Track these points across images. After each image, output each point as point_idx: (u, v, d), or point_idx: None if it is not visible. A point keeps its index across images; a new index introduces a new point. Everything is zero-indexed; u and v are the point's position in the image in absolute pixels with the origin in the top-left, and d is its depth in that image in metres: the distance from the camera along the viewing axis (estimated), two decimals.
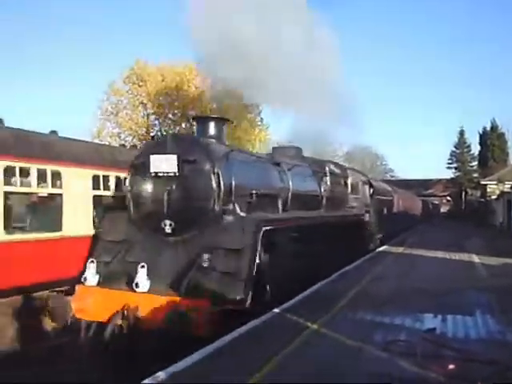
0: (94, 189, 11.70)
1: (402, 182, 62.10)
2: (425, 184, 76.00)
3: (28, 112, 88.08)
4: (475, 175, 65.17)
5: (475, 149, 67.29)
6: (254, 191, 9.43)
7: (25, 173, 10.45)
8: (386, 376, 5.71)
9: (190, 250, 8.37)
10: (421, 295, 10.48)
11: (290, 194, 11.31)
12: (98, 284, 8.46)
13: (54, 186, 11.01)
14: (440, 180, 76.64)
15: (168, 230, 8.58)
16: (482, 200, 53.31)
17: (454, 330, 7.92)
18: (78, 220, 10.84)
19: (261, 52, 14.15)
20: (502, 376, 5.84)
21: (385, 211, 23.99)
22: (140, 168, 8.92)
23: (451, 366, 5.95)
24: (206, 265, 7.97)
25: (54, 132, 12.94)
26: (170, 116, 37.68)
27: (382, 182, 29.79)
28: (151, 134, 33.79)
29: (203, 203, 8.61)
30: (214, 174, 8.55)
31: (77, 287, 8.54)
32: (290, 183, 11.47)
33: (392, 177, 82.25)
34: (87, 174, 11.62)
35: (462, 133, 69.72)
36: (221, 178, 8.60)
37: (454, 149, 70.71)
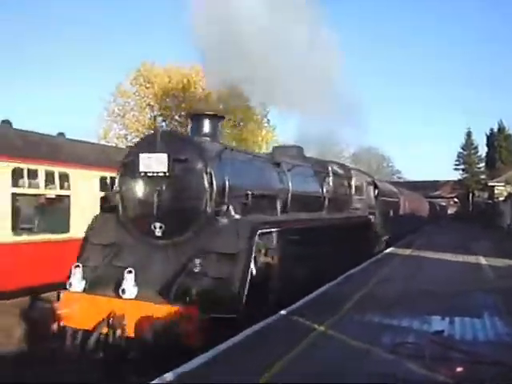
0: (101, 190, 11.75)
1: (409, 184, 61.72)
2: (432, 185, 75.53)
3: (34, 113, 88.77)
4: (482, 177, 64.72)
5: (482, 150, 67.23)
6: (250, 192, 8.93)
7: (33, 174, 10.51)
8: (391, 377, 5.70)
9: (181, 254, 7.90)
10: (428, 297, 10.36)
11: (289, 195, 10.82)
12: (84, 290, 7.97)
13: (61, 187, 11.08)
14: (447, 181, 76.15)
15: (158, 232, 8.14)
16: (490, 202, 52.98)
17: (462, 332, 7.86)
18: (86, 221, 10.88)
19: (264, 52, 14.17)
20: (510, 378, 5.81)
21: (391, 213, 23.43)
22: (129, 167, 8.46)
23: (459, 369, 5.91)
24: (197, 270, 7.52)
25: (61, 134, 13.02)
26: (177, 118, 37.65)
27: (388, 184, 29.27)
28: None
29: (195, 204, 8.14)
30: (206, 173, 8.07)
31: (62, 293, 8.07)
32: (290, 184, 10.97)
33: (399, 178, 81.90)
34: (94, 175, 11.68)
35: (469, 134, 69.21)
36: (213, 178, 8.12)
37: (461, 150, 70.48)
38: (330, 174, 14.18)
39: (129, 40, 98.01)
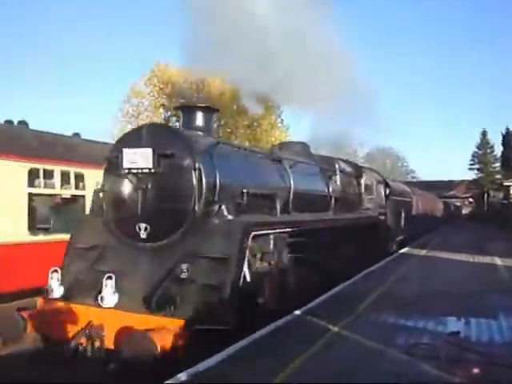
0: None
1: (424, 184, 61.29)
2: (446, 185, 74.76)
3: (50, 114, 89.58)
4: (498, 176, 63.90)
5: (498, 150, 66.47)
6: (245, 190, 8.09)
7: (49, 175, 10.59)
8: (403, 377, 5.65)
9: (167, 259, 7.11)
10: (443, 298, 10.22)
11: (291, 194, 9.95)
12: (63, 297, 7.25)
13: (77, 187, 11.13)
14: (462, 181, 75.49)
15: (143, 234, 7.39)
16: (505, 202, 52.20)
17: (478, 334, 7.70)
18: None
19: (279, 51, 14.15)
20: None
21: (403, 213, 22.53)
22: (113, 163, 7.71)
23: (476, 370, 5.83)
24: (183, 276, 6.81)
25: (76, 134, 13.10)
26: None
27: (401, 183, 28.56)
28: None
29: (182, 204, 7.35)
30: (194, 169, 7.27)
31: (38, 300, 7.43)
32: (292, 182, 10.06)
33: (413, 178, 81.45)
34: None
35: (484, 133, 68.41)
36: (203, 175, 7.32)
37: (476, 150, 69.89)
38: (338, 172, 13.37)
39: (143, 40, 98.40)
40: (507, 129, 62.24)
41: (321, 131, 20.15)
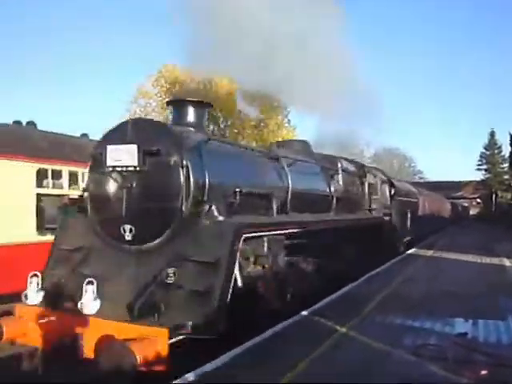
0: None
1: (431, 184, 61.00)
2: (454, 186, 74.27)
3: (59, 115, 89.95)
4: (506, 177, 63.49)
5: (506, 150, 66.04)
6: (238, 189, 7.54)
7: (57, 175, 10.64)
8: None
9: (154, 262, 6.61)
10: (451, 299, 10.17)
11: (289, 194, 9.40)
12: (43, 303, 6.72)
13: None
14: (470, 182, 75.12)
15: (128, 236, 6.88)
16: None
17: (486, 335, 7.65)
18: None
19: (283, 52, 14.16)
20: None
21: (409, 214, 22.06)
22: (98, 160, 7.21)
23: (483, 371, 5.79)
24: (170, 281, 6.29)
25: (84, 135, 13.15)
26: None
27: (407, 183, 28.09)
28: None
29: (169, 204, 6.83)
30: (181, 167, 6.76)
31: (16, 307, 6.88)
32: (290, 181, 9.50)
33: (420, 179, 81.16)
34: None
35: (492, 134, 68.03)
36: (191, 173, 6.81)
37: (483, 150, 69.61)
38: (340, 171, 12.77)
39: (143, 40, 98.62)
40: None
41: (326, 131, 20.13)
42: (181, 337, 6.01)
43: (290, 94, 16.19)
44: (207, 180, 7.01)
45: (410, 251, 20.86)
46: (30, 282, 6.76)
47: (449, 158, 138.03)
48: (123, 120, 7.76)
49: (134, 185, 6.90)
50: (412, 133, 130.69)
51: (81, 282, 6.44)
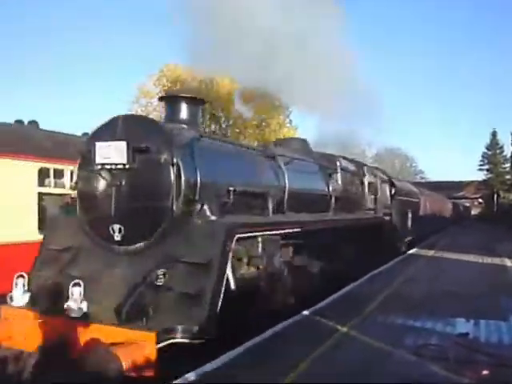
0: None
1: (433, 184, 60.93)
2: (456, 186, 74.24)
3: (60, 114, 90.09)
4: (508, 177, 63.69)
5: (508, 150, 65.90)
6: (232, 188, 7.28)
7: (59, 174, 10.64)
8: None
9: (143, 263, 6.36)
10: (452, 299, 10.13)
11: (286, 193, 9.13)
12: (29, 305, 6.50)
13: None
14: (471, 182, 75.13)
15: (117, 237, 6.63)
16: None
17: (487, 335, 7.61)
18: None
19: (284, 51, 14.15)
20: None
21: (410, 214, 21.89)
22: (87, 158, 6.96)
23: (485, 372, 5.76)
24: (159, 283, 6.04)
25: (86, 134, 13.13)
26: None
27: (408, 183, 27.91)
28: None
29: (159, 203, 6.58)
30: (172, 165, 6.50)
31: (1, 309, 6.59)
32: (287, 180, 9.23)
33: (422, 179, 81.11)
34: None
35: (494, 134, 68.14)
36: (182, 171, 6.54)
37: (485, 150, 69.60)
38: (339, 170, 12.49)
39: (143, 41, 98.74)
40: None
41: (326, 131, 20.10)
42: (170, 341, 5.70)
43: (289, 93, 16.16)
44: (199, 178, 6.76)
45: (411, 251, 20.80)
46: (16, 284, 6.54)
47: (450, 158, 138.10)
48: None
49: (124, 183, 6.67)
50: (413, 133, 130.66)
51: (68, 284, 6.20)
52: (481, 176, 70.25)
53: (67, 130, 12.60)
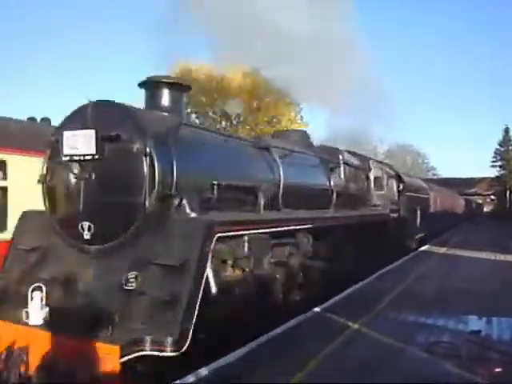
0: None
1: (445, 181, 60.60)
2: (468, 182, 73.72)
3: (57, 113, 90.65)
4: None
5: None
6: (216, 182, 6.56)
7: None
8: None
9: (114, 265, 5.70)
10: (464, 296, 10.01)
11: (281, 188, 8.40)
12: None
13: None
14: (484, 178, 74.62)
15: (87, 235, 5.95)
16: None
17: (500, 332, 7.51)
18: None
19: (298, 49, 14.11)
20: None
21: (419, 210, 21.07)
22: (55, 149, 6.30)
23: (498, 369, 5.71)
24: (130, 287, 5.36)
25: None
26: (211, 114, 37.99)
27: (418, 179, 27.26)
28: None
29: (131, 198, 5.85)
30: (145, 155, 5.77)
31: None
32: (282, 174, 8.48)
33: (434, 175, 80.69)
34: None
35: (507, 130, 67.40)
36: (155, 162, 5.80)
37: (498, 147, 69.05)
38: (342, 164, 11.73)
39: (150, 40, 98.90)
40: None
41: (338, 127, 20.03)
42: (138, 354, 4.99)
43: (301, 89, 16.10)
44: (175, 170, 6.03)
45: (422, 248, 20.66)
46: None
47: (462, 154, 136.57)
48: None
49: (93, 176, 5.98)
50: (425, 130, 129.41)
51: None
52: (493, 173, 69.64)
53: None
